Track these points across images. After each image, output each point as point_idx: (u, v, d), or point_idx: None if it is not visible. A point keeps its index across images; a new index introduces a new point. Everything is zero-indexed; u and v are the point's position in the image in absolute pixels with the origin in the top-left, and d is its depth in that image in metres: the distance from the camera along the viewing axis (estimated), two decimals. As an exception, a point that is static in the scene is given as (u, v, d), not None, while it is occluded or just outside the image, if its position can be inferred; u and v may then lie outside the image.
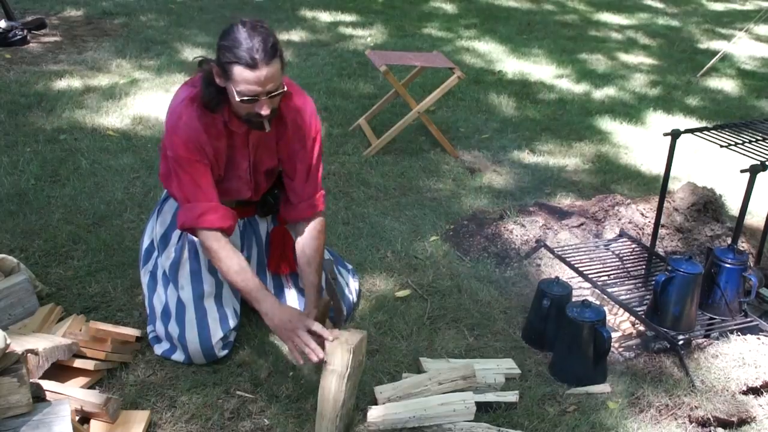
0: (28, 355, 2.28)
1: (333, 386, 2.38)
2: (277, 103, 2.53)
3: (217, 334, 2.78)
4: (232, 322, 2.85)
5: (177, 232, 2.86)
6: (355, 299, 3.16)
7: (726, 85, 7.15)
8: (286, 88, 2.54)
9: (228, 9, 8.36)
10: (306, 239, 2.81)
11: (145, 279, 2.95)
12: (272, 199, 2.98)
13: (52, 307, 2.92)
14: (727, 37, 8.88)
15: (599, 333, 2.78)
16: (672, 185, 4.26)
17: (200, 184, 2.58)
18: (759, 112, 6.34)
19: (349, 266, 3.31)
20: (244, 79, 2.39)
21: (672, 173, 3.43)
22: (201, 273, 2.83)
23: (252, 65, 2.37)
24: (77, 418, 2.35)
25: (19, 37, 6.57)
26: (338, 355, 2.38)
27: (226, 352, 2.83)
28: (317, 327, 2.47)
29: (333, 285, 2.73)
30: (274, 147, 2.77)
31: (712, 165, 4.98)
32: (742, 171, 2.91)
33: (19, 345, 2.21)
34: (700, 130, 3.27)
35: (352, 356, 2.38)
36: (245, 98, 2.43)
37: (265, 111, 2.47)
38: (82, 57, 6.36)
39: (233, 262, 2.57)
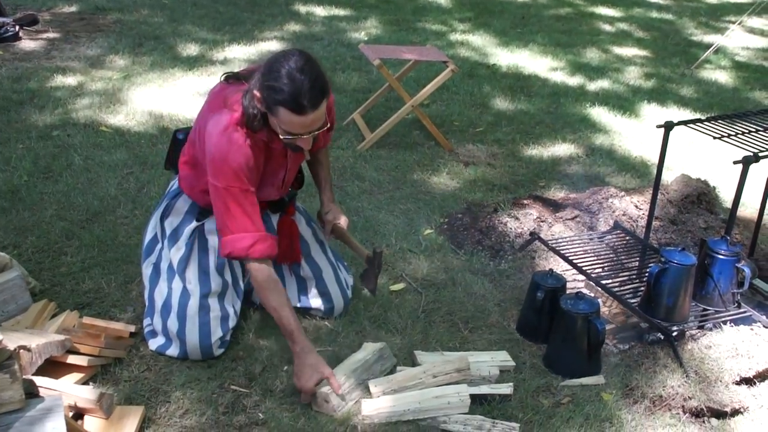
0: (21, 351, 2.27)
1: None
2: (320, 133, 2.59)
3: (216, 332, 2.78)
4: (231, 322, 2.85)
5: (189, 228, 2.85)
6: (350, 294, 3.16)
7: (720, 77, 7.16)
8: (329, 123, 2.60)
9: (221, 3, 8.34)
10: (320, 153, 3.08)
11: (147, 271, 2.94)
12: (287, 197, 3.01)
13: (46, 303, 2.91)
14: (721, 30, 8.88)
15: (593, 325, 2.79)
16: (667, 177, 4.26)
17: (250, 214, 2.59)
18: (753, 104, 6.35)
19: (345, 263, 3.30)
20: (289, 121, 2.42)
21: (667, 165, 3.43)
22: (209, 272, 2.82)
23: (298, 111, 2.38)
24: (71, 414, 2.35)
25: (11, 33, 6.55)
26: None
27: (222, 350, 2.83)
28: (333, 380, 2.57)
29: (377, 263, 3.11)
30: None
31: (707, 157, 4.99)
32: (735, 162, 2.91)
33: (11, 341, 2.21)
34: (694, 121, 3.27)
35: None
36: (288, 136, 2.48)
37: (306, 146, 2.55)
38: (74, 53, 6.34)
39: (275, 296, 2.63)
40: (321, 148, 3.11)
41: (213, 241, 2.84)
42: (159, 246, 2.92)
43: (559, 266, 3.48)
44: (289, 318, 2.61)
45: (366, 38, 7.45)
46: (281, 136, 2.49)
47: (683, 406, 2.69)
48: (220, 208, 2.58)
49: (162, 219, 2.93)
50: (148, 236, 2.98)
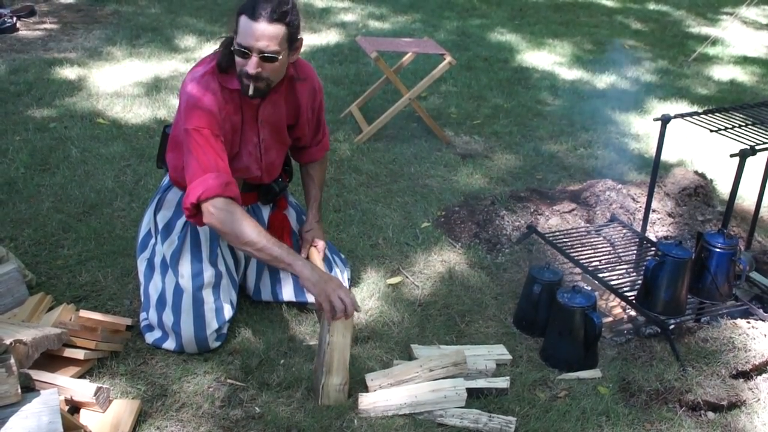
0: (17, 345, 2.27)
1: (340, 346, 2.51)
2: (269, 73, 2.59)
3: (212, 325, 2.77)
4: (227, 314, 2.84)
5: (181, 221, 2.85)
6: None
7: (718, 69, 7.14)
8: (279, 62, 2.58)
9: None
10: (315, 169, 3.16)
11: (141, 266, 2.94)
12: (277, 187, 3.02)
13: (42, 296, 2.90)
14: (719, 22, 8.87)
15: (590, 318, 2.79)
16: (665, 170, 4.26)
17: (223, 158, 2.61)
18: (750, 96, 6.34)
19: (342, 256, 3.30)
20: (242, 28, 2.51)
21: (666, 158, 3.43)
22: (202, 263, 2.81)
23: (252, 16, 2.48)
24: (67, 407, 2.35)
25: (8, 24, 6.53)
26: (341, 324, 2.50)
27: (219, 344, 2.83)
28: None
29: None
30: (285, 126, 2.89)
31: (706, 149, 4.97)
32: (732, 155, 2.91)
33: (7, 335, 2.20)
34: (690, 114, 3.26)
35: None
36: (238, 49, 2.53)
37: (251, 70, 2.54)
38: (72, 44, 6.33)
39: (257, 226, 2.58)
40: (315, 160, 3.14)
41: (205, 231, 2.84)
42: (152, 241, 2.92)
43: (557, 260, 3.47)
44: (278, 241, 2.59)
45: (363, 30, 7.43)
46: (234, 48, 2.54)
47: (680, 400, 2.69)
48: (189, 154, 2.58)
49: (155, 214, 2.93)
50: (143, 232, 2.98)
